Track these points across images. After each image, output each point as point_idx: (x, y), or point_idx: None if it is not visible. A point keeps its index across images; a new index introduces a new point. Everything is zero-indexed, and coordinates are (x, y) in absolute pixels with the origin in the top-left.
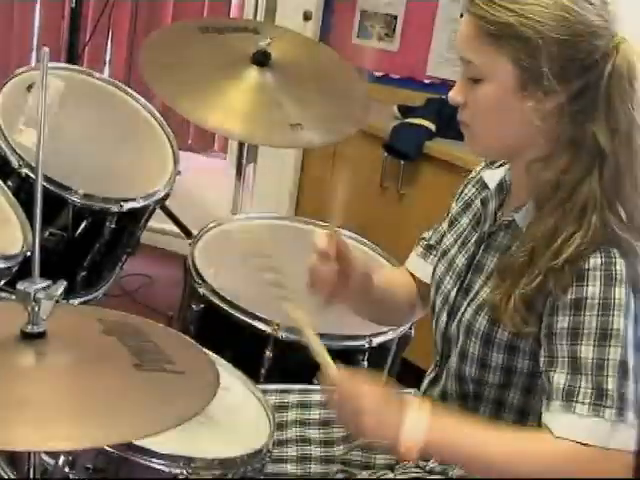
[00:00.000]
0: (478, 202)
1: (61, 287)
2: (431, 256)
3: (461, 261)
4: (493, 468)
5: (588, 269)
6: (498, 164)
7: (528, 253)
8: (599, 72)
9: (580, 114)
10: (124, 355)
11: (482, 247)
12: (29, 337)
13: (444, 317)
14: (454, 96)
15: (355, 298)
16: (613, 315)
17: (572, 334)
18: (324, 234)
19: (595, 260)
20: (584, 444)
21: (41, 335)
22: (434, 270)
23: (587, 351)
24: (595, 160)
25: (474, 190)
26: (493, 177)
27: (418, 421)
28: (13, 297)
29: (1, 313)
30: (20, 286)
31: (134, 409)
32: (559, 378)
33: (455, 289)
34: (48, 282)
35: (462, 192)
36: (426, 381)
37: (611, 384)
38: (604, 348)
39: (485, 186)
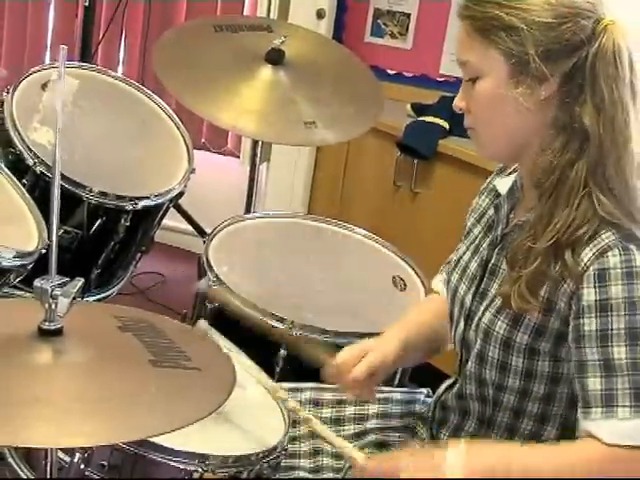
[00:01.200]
0: (491, 210)
1: (78, 284)
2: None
3: (474, 266)
4: None
5: (609, 268)
6: (509, 172)
7: (530, 238)
8: (585, 53)
9: (569, 97)
10: (140, 352)
11: (496, 250)
12: (46, 334)
13: (462, 323)
14: (458, 103)
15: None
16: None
17: (601, 336)
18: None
19: (615, 258)
20: (630, 446)
21: (58, 332)
22: (449, 280)
23: (619, 352)
24: (583, 142)
25: (487, 200)
26: (505, 184)
27: (457, 455)
28: (28, 294)
29: (18, 310)
30: (37, 283)
31: (150, 406)
32: (594, 384)
33: (470, 294)
34: (65, 279)
35: (476, 204)
36: (443, 386)
37: None
38: (636, 347)
39: (497, 194)
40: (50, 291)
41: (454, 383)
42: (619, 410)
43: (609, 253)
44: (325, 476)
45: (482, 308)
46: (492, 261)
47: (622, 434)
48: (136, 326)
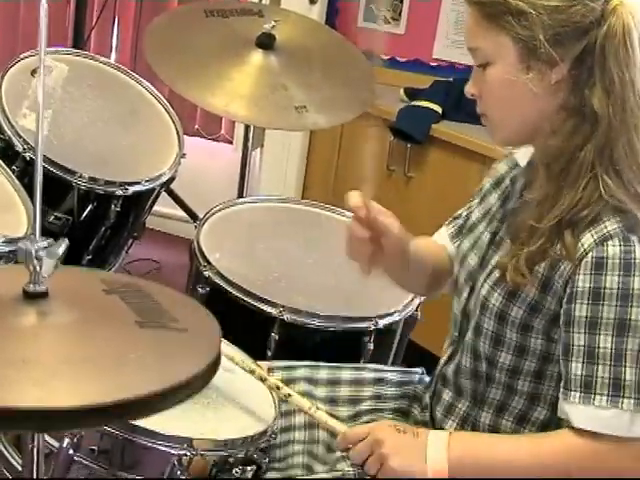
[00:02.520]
0: (508, 180)
1: (63, 245)
2: (459, 241)
3: (486, 237)
4: (518, 475)
5: (607, 257)
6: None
7: (536, 216)
8: (594, 35)
9: (579, 80)
10: (126, 313)
11: (505, 224)
12: (31, 296)
13: (466, 293)
14: (469, 89)
15: (391, 263)
16: (632, 306)
17: (590, 323)
18: (356, 194)
19: (614, 249)
20: (604, 435)
21: (43, 295)
22: (460, 244)
23: (605, 341)
24: (593, 125)
25: (506, 167)
26: (525, 155)
27: (438, 441)
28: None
29: (3, 274)
30: (21, 245)
31: (139, 365)
32: (576, 368)
33: (477, 265)
34: (49, 240)
35: (496, 169)
36: (444, 358)
37: (629, 375)
38: (622, 338)
39: (517, 164)
40: (34, 252)
41: (453, 355)
42: (596, 397)
43: (609, 242)
44: (316, 464)
45: (481, 279)
46: (499, 234)
47: (597, 422)
48: (122, 289)
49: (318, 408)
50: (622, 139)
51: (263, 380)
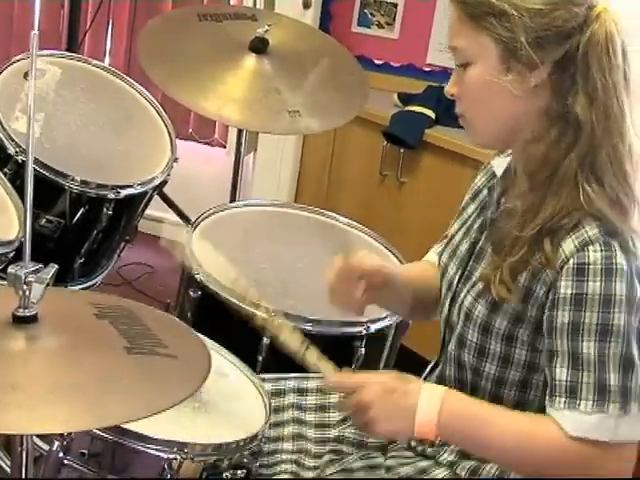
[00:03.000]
0: (485, 190)
1: (52, 270)
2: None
3: (464, 247)
4: (501, 449)
5: (589, 263)
6: (508, 153)
7: (518, 226)
8: (577, 41)
9: (561, 87)
10: (116, 338)
11: (484, 234)
12: (20, 321)
13: (447, 303)
14: (449, 89)
15: (381, 300)
16: (614, 312)
17: (573, 329)
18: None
19: (595, 254)
20: (589, 440)
21: (32, 319)
22: (440, 256)
23: (588, 347)
24: (577, 133)
25: (484, 179)
26: (501, 165)
27: (433, 396)
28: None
29: None
30: (11, 269)
31: (125, 392)
32: (561, 373)
33: (457, 275)
34: (39, 265)
35: (474, 183)
36: (428, 368)
37: (613, 380)
38: (605, 344)
39: (494, 174)
40: (24, 277)
41: (436, 365)
42: (582, 403)
43: (590, 248)
44: (307, 463)
45: (465, 290)
46: (479, 244)
47: (583, 427)
48: (113, 313)
49: (308, 347)
50: (605, 146)
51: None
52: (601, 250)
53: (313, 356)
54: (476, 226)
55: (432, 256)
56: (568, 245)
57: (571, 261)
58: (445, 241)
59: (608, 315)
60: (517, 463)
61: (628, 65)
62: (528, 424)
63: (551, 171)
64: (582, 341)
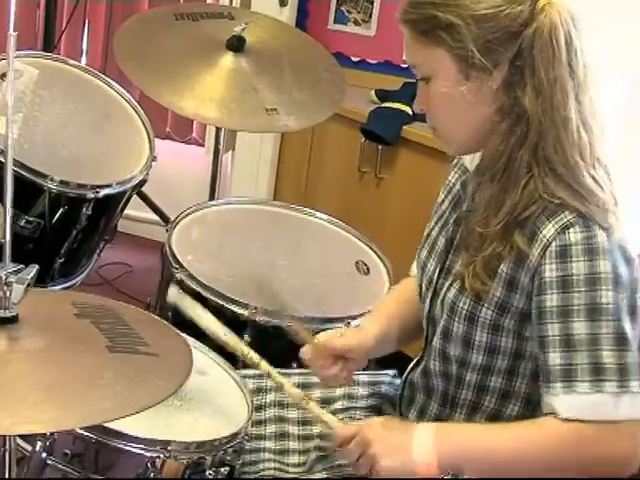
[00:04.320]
0: (458, 186)
1: (32, 271)
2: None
3: (442, 242)
4: (506, 463)
5: (570, 244)
6: None
7: (482, 222)
8: (524, 37)
9: (512, 81)
10: (97, 338)
11: (460, 227)
12: (1, 322)
13: (428, 299)
14: (418, 105)
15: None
16: (601, 289)
17: (562, 312)
18: (307, 350)
19: (576, 235)
20: (591, 421)
21: (13, 319)
22: (419, 254)
23: (579, 327)
24: (527, 126)
25: (456, 176)
26: (473, 160)
27: (425, 433)
28: None
29: None
30: None
31: (107, 391)
32: (554, 358)
33: (437, 270)
34: (20, 266)
35: (448, 180)
36: (411, 364)
37: (608, 357)
38: (596, 322)
39: (466, 170)
40: (4, 278)
41: (420, 360)
42: (578, 385)
43: (571, 230)
44: (290, 460)
45: (447, 284)
46: (457, 238)
47: (580, 408)
48: (94, 312)
49: (310, 399)
50: (551, 136)
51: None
52: (582, 231)
53: (315, 409)
54: (451, 220)
55: (413, 268)
56: (548, 230)
57: (553, 244)
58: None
59: (595, 294)
60: (523, 465)
61: (575, 53)
62: (523, 424)
63: (505, 164)
64: (573, 322)
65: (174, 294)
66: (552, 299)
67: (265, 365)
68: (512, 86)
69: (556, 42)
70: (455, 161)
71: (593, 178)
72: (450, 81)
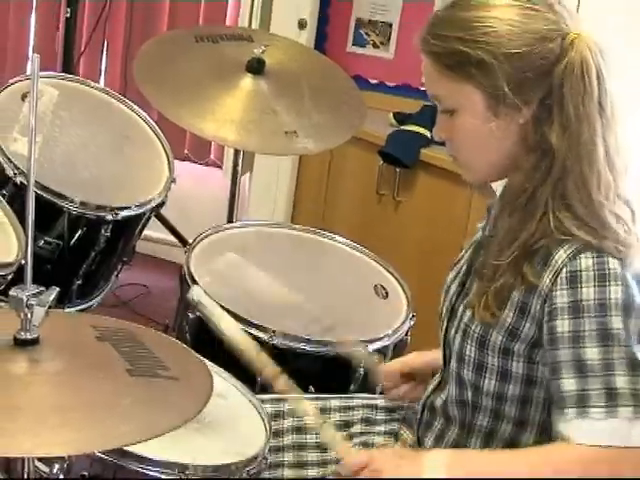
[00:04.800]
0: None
1: (53, 293)
2: None
3: (465, 266)
4: None
5: (581, 270)
6: None
7: (497, 253)
8: (555, 74)
9: (539, 117)
10: (117, 361)
11: (481, 252)
12: (22, 344)
13: (445, 322)
14: (437, 134)
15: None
16: (611, 315)
17: (573, 338)
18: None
19: (587, 261)
20: (605, 447)
21: (34, 342)
22: (447, 278)
23: (592, 353)
24: (551, 161)
25: (493, 200)
26: (501, 183)
27: (436, 462)
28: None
29: None
30: (13, 292)
31: (127, 415)
32: (568, 384)
33: (457, 294)
34: (41, 288)
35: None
36: (430, 387)
37: (621, 383)
38: (608, 348)
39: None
40: (25, 301)
41: (440, 384)
42: (593, 410)
43: (582, 255)
44: None
45: (463, 306)
46: (477, 263)
47: (597, 434)
48: (114, 336)
49: (325, 423)
50: (575, 172)
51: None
52: (593, 257)
53: (329, 433)
54: (475, 244)
55: None
56: (560, 256)
57: (564, 270)
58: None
59: (605, 319)
60: None
61: (604, 89)
62: (536, 450)
63: (527, 199)
64: (585, 348)
65: (198, 292)
66: (563, 324)
67: (281, 377)
68: (540, 122)
69: (588, 78)
70: None
71: (615, 215)
72: (478, 117)
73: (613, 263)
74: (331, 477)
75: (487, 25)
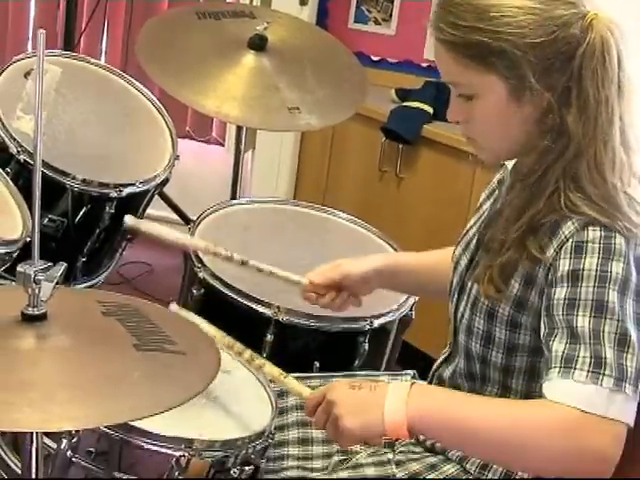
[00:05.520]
0: (496, 182)
1: (61, 269)
2: None
3: (475, 239)
4: (480, 435)
5: (587, 241)
6: None
7: (503, 229)
8: (576, 57)
9: (558, 101)
10: (124, 336)
11: (491, 225)
12: (30, 319)
13: (456, 295)
14: (453, 117)
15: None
16: (609, 288)
17: (569, 304)
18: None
19: (594, 233)
20: (580, 410)
21: (42, 317)
22: (454, 250)
23: (584, 321)
24: (566, 143)
25: (498, 175)
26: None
27: (399, 392)
28: (14, 284)
29: (2, 296)
30: (20, 268)
31: (134, 389)
32: (558, 346)
33: (466, 268)
34: (48, 264)
35: (492, 181)
36: (440, 359)
37: (609, 354)
38: (600, 319)
39: (504, 167)
40: (33, 276)
41: (449, 357)
42: (576, 372)
43: (590, 227)
44: (315, 465)
45: (472, 280)
46: (487, 235)
47: (574, 396)
48: (120, 311)
49: (287, 375)
50: (589, 154)
51: (239, 354)
52: (601, 229)
53: (291, 382)
54: (486, 221)
55: None
56: (568, 227)
57: (570, 240)
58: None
59: (603, 291)
60: (498, 440)
61: (623, 70)
62: (509, 401)
63: (538, 177)
64: (577, 315)
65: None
66: (561, 291)
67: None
68: (558, 105)
69: (608, 59)
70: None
71: (628, 197)
72: (499, 103)
73: (620, 240)
74: (337, 452)
75: (508, 15)
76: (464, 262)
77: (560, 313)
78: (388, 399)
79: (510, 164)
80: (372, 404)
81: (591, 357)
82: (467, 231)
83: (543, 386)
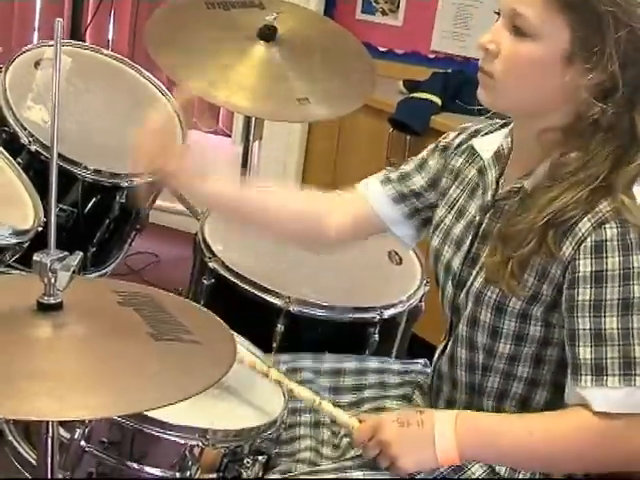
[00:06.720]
0: (472, 172)
1: (77, 258)
2: (389, 185)
3: (459, 230)
4: (536, 455)
5: (606, 240)
6: (485, 132)
7: (530, 220)
8: None
9: (627, 101)
10: (140, 325)
11: (488, 215)
12: (46, 308)
13: (450, 287)
14: (486, 43)
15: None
16: (634, 284)
17: (595, 306)
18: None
19: (612, 231)
20: (620, 414)
21: (58, 306)
22: (430, 242)
23: (611, 322)
24: (625, 147)
25: (462, 161)
26: (486, 146)
27: (446, 423)
28: (25, 274)
29: (17, 285)
30: (36, 257)
31: (151, 379)
32: (584, 352)
33: (459, 258)
34: (64, 253)
35: (447, 162)
36: (438, 351)
37: (638, 352)
38: (627, 317)
39: (475, 155)
40: (49, 265)
41: (445, 348)
42: (609, 379)
43: (607, 225)
44: (325, 451)
45: (474, 273)
46: (484, 226)
47: (612, 403)
48: (136, 300)
49: (321, 401)
50: (633, 162)
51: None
52: (617, 227)
53: (328, 408)
54: (472, 209)
55: (365, 188)
56: (584, 224)
57: (588, 239)
58: (386, 173)
59: (629, 288)
60: (549, 456)
61: None
62: (552, 414)
63: (581, 179)
64: (605, 317)
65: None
66: (585, 293)
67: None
68: (628, 106)
69: None
70: (455, 144)
71: None
72: (552, 53)
73: (635, 233)
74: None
75: None
76: (449, 254)
77: (586, 315)
78: (437, 432)
79: (486, 154)
80: (424, 441)
81: (619, 358)
82: (441, 219)
83: (577, 392)
